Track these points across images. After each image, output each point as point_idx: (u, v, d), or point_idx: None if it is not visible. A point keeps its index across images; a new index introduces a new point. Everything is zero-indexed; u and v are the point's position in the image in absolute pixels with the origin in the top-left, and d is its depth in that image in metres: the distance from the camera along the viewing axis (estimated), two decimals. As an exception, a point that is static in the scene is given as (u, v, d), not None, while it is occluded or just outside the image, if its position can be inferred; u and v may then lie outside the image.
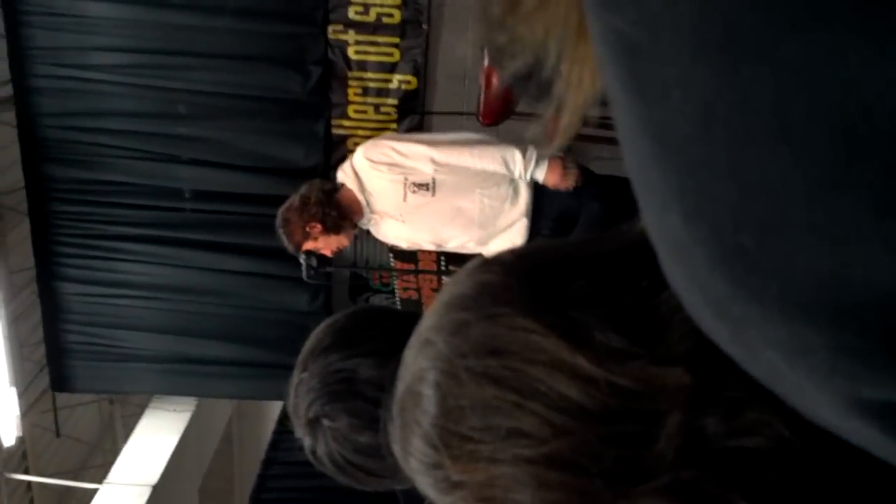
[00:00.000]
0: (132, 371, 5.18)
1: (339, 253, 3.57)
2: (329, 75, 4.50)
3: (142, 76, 4.47)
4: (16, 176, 4.78)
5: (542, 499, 0.54)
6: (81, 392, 5.52)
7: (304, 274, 3.40)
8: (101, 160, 4.64)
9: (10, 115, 4.63)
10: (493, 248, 3.36)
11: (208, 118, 4.54)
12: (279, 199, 3.54)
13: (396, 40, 4.46)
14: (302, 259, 3.34)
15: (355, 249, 4.66)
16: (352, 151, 4.37)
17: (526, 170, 3.21)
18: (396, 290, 4.92)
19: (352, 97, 4.57)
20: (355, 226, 3.44)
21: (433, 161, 3.25)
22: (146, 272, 4.89)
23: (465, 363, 0.56)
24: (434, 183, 3.29)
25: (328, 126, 4.58)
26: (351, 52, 4.48)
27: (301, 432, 1.17)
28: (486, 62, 3.85)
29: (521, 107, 4.02)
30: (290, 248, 3.35)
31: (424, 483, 0.62)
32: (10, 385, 4.94)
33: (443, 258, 4.41)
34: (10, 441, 5.09)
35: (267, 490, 5.40)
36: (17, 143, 4.61)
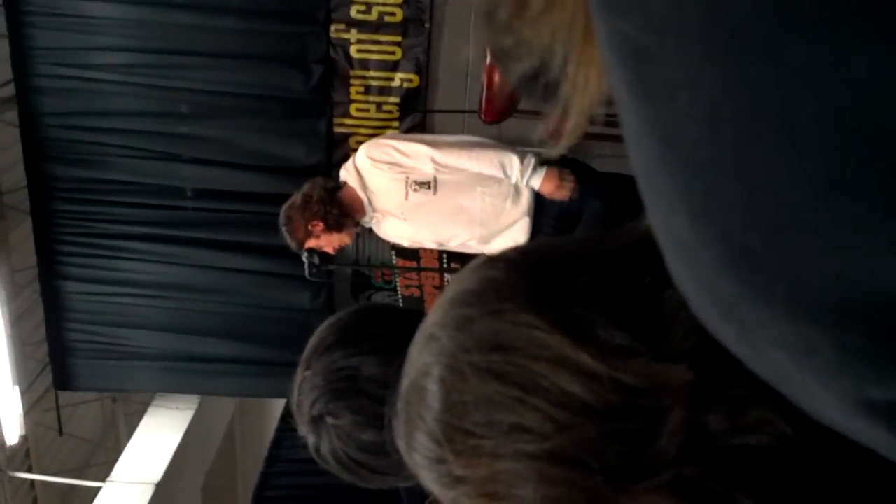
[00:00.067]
0: (135, 369, 5.18)
1: (341, 251, 3.58)
2: (331, 74, 4.49)
3: (144, 75, 4.47)
4: (18, 175, 4.78)
5: (544, 494, 0.54)
6: (84, 390, 5.52)
7: (306, 272, 3.41)
8: (103, 159, 4.64)
9: (13, 115, 4.63)
10: (495, 246, 3.37)
11: (210, 117, 4.53)
12: (281, 198, 3.54)
13: (398, 39, 4.46)
14: (304, 257, 3.35)
15: (357, 247, 4.66)
16: (354, 150, 4.38)
17: (523, 176, 3.22)
18: (399, 288, 4.92)
19: (354, 96, 4.56)
20: (357, 224, 3.45)
21: (433, 161, 3.27)
22: (148, 270, 4.89)
23: (469, 358, 0.56)
24: (435, 181, 3.30)
25: (330, 124, 4.58)
26: (353, 50, 4.47)
27: (305, 430, 1.17)
28: (488, 60, 3.85)
29: (524, 105, 4.02)
30: (292, 245, 3.36)
31: (428, 478, 0.62)
32: (13, 384, 4.95)
33: (445, 256, 4.41)
34: (13, 440, 5.10)
35: (270, 487, 5.40)
36: (20, 142, 4.61)
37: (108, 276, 4.91)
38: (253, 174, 4.63)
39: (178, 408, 6.09)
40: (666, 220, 0.38)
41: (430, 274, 4.72)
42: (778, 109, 0.29)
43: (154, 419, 6.06)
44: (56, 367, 5.15)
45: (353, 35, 4.44)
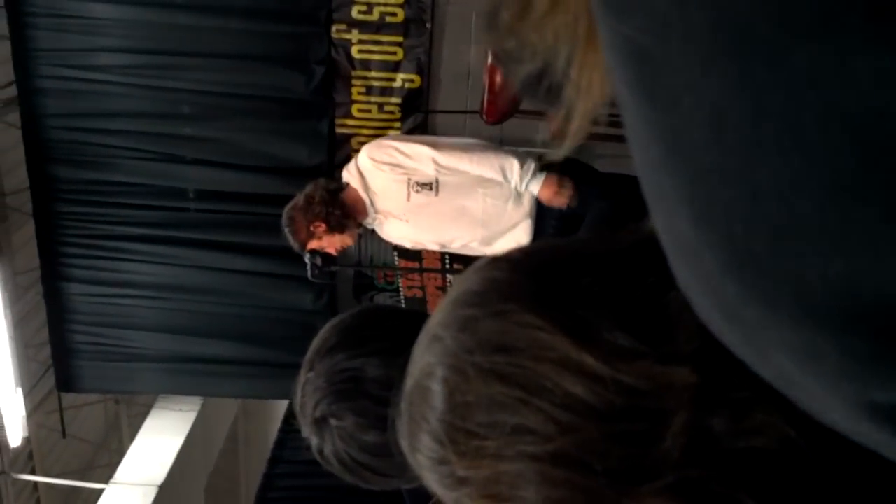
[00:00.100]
0: (138, 371, 5.19)
1: (343, 252, 3.58)
2: (333, 75, 4.49)
3: (146, 77, 4.47)
4: (21, 177, 4.78)
5: (546, 496, 0.54)
6: (87, 392, 5.52)
7: (308, 273, 3.41)
8: (106, 161, 4.64)
9: (15, 116, 4.63)
10: (497, 248, 3.37)
11: (212, 118, 4.54)
12: (284, 199, 3.55)
13: (400, 39, 4.46)
14: (307, 258, 3.35)
15: (360, 248, 4.66)
16: (356, 150, 4.38)
17: (522, 181, 3.23)
18: (401, 289, 4.92)
19: (355, 96, 4.56)
20: (359, 225, 3.46)
21: (435, 162, 3.27)
22: (151, 272, 4.89)
23: (472, 359, 0.56)
24: (437, 183, 3.30)
25: (332, 125, 4.58)
26: (354, 51, 4.47)
27: (308, 432, 1.17)
28: (490, 61, 3.85)
29: (526, 105, 4.01)
30: (295, 246, 3.36)
31: (431, 479, 0.62)
32: (16, 386, 4.95)
33: (447, 257, 4.41)
34: (16, 442, 5.10)
35: (273, 489, 5.40)
36: (22, 143, 4.61)
37: (110, 278, 4.91)
38: (255, 175, 4.63)
39: (181, 409, 6.09)
40: (670, 223, 0.38)
41: (432, 275, 4.72)
42: (782, 113, 0.29)
43: (157, 421, 6.07)
44: (59, 369, 5.16)
45: (354, 35, 4.44)
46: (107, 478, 5.71)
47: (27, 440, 5.37)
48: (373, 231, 3.70)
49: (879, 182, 0.28)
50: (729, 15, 0.29)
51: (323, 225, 3.30)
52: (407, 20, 4.42)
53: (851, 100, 0.27)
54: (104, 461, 6.71)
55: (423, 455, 0.62)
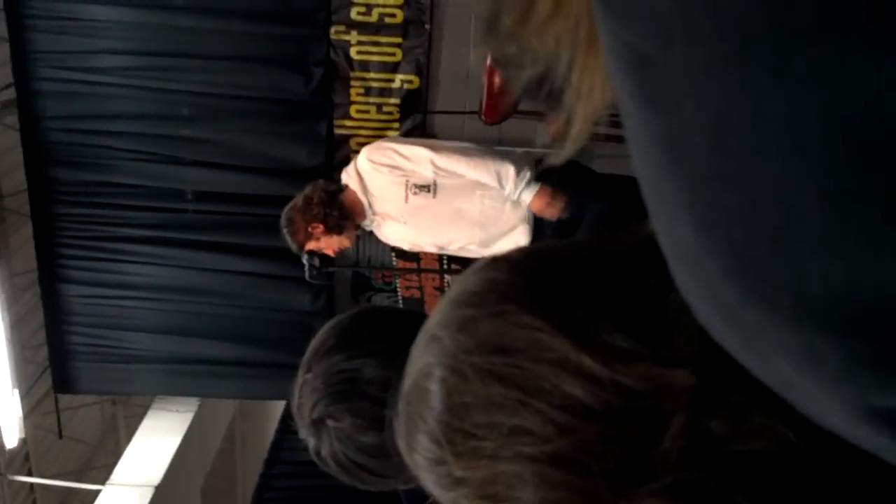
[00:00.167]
0: (135, 372, 5.18)
1: (341, 253, 3.59)
2: (331, 76, 4.49)
3: (144, 79, 4.47)
4: (19, 178, 4.78)
5: (543, 497, 0.54)
6: (84, 393, 5.52)
7: (306, 274, 3.41)
8: (104, 162, 4.64)
9: (14, 119, 4.63)
10: (495, 250, 3.37)
11: (211, 120, 4.53)
12: (282, 200, 3.55)
13: (399, 40, 4.46)
14: (304, 259, 3.36)
15: (357, 249, 4.66)
16: (354, 151, 4.39)
17: (515, 189, 3.23)
18: (399, 289, 4.92)
19: (354, 97, 4.56)
20: (357, 227, 3.47)
21: (433, 164, 3.28)
22: (149, 273, 4.89)
23: (471, 360, 0.56)
24: (435, 185, 3.31)
25: (330, 126, 4.58)
26: (353, 52, 4.47)
27: (305, 433, 1.17)
28: (488, 62, 3.85)
29: (524, 105, 4.02)
30: (293, 247, 3.37)
31: (428, 479, 0.62)
32: (13, 387, 4.94)
33: (445, 257, 4.41)
34: (12, 443, 5.09)
35: (270, 489, 5.40)
36: (21, 146, 4.61)
37: (108, 279, 4.91)
38: (253, 176, 4.63)
39: (178, 410, 6.09)
40: (670, 227, 0.38)
41: (430, 275, 4.72)
42: (784, 117, 0.29)
43: (154, 422, 6.06)
44: (56, 371, 5.15)
45: (353, 37, 4.44)
46: (103, 479, 5.70)
47: (24, 441, 5.37)
48: (371, 232, 3.70)
49: (880, 185, 0.28)
50: (730, 20, 0.29)
51: (321, 226, 3.31)
52: (406, 21, 4.42)
53: (852, 103, 0.27)
54: (101, 462, 6.71)
55: (420, 455, 0.62)
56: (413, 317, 1.18)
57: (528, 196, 3.24)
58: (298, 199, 3.37)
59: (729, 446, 0.50)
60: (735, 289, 0.35)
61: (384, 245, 4.28)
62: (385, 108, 4.57)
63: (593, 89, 0.45)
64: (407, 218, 3.39)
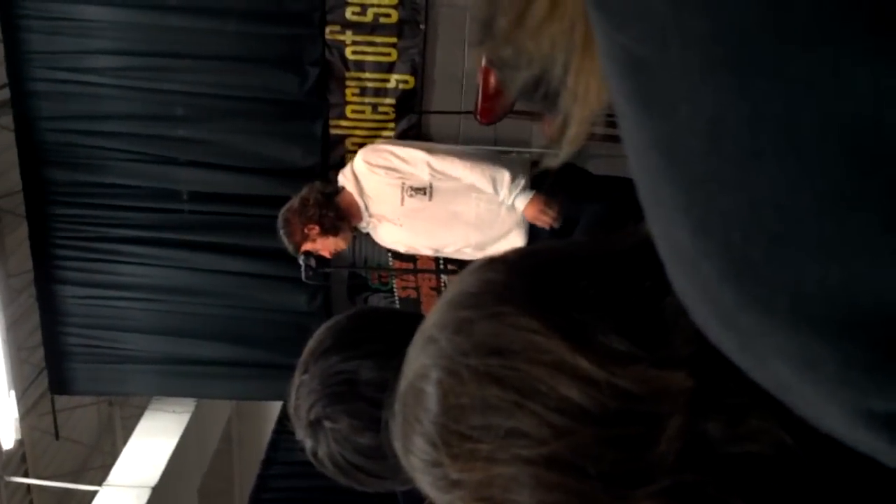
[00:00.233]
0: (131, 373, 5.17)
1: (337, 253, 3.59)
2: (326, 76, 4.49)
3: (139, 79, 4.47)
4: (14, 179, 4.77)
5: (539, 500, 0.54)
6: (80, 394, 5.51)
7: (302, 274, 3.42)
8: (99, 163, 4.64)
9: (8, 119, 4.62)
10: (491, 253, 3.36)
11: (206, 120, 4.53)
12: (278, 200, 3.55)
13: (394, 40, 4.46)
14: (301, 259, 3.36)
15: (354, 249, 4.66)
16: (350, 151, 4.39)
17: (510, 195, 3.24)
18: (395, 290, 4.92)
19: (349, 97, 4.56)
20: (353, 228, 3.47)
21: (430, 166, 3.29)
22: (145, 274, 4.88)
23: (467, 362, 0.56)
24: (431, 188, 3.32)
25: (326, 126, 4.58)
26: (348, 52, 4.47)
27: (302, 434, 1.17)
28: (483, 62, 3.85)
29: (520, 106, 4.02)
30: (289, 248, 3.38)
31: (424, 481, 0.62)
32: (9, 388, 4.94)
33: (441, 258, 4.41)
34: (9, 444, 5.08)
35: (267, 490, 5.40)
36: (15, 146, 4.60)
37: (104, 280, 4.90)
38: (249, 177, 4.63)
39: (174, 411, 6.08)
40: (667, 230, 0.38)
41: (426, 275, 4.72)
42: (780, 122, 0.29)
43: (151, 423, 6.06)
44: (52, 371, 5.14)
45: (348, 37, 4.44)
46: (100, 480, 5.70)
47: (20, 442, 5.36)
48: (367, 233, 3.70)
49: (876, 191, 0.28)
50: (727, 23, 0.29)
51: (317, 227, 3.32)
52: (401, 21, 4.42)
53: (849, 109, 0.27)
54: (98, 463, 6.69)
55: (416, 457, 0.62)
56: (410, 318, 1.18)
57: (522, 203, 3.25)
58: (295, 201, 3.38)
59: (726, 449, 0.50)
60: (732, 292, 0.35)
61: (381, 245, 4.28)
62: (380, 109, 4.57)
63: (589, 92, 0.45)
64: (402, 220, 3.39)
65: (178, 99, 4.50)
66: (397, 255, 4.54)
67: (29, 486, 5.98)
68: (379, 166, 3.34)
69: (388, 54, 4.48)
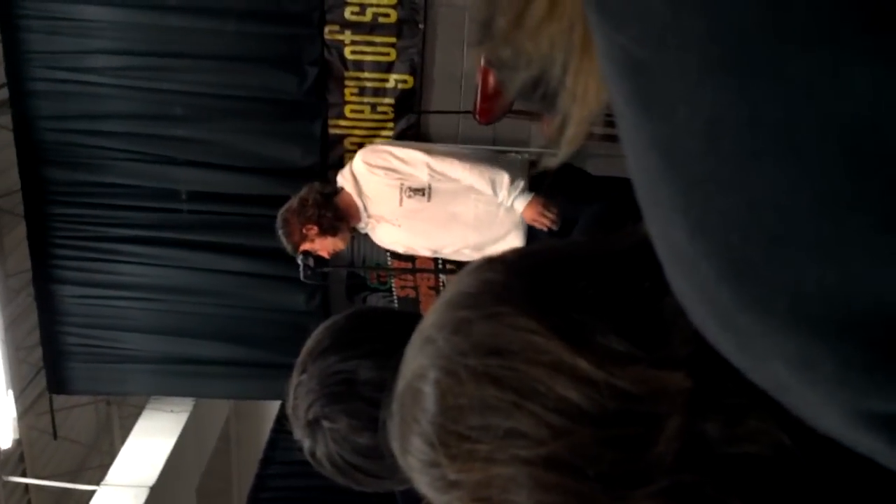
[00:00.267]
0: (129, 372, 5.17)
1: (336, 253, 3.59)
2: (325, 75, 4.49)
3: (138, 78, 4.46)
4: (12, 179, 4.77)
5: (538, 500, 0.54)
6: (78, 394, 5.51)
7: (301, 274, 3.42)
8: (98, 162, 4.63)
9: (7, 119, 4.62)
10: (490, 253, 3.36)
11: (205, 120, 4.53)
12: (276, 200, 3.55)
13: (393, 40, 4.46)
14: (299, 259, 3.36)
15: (353, 248, 4.66)
16: (349, 151, 4.39)
17: (509, 197, 3.24)
18: (394, 289, 4.91)
19: (348, 97, 4.56)
20: (352, 229, 3.47)
21: (429, 167, 3.29)
22: (143, 273, 4.88)
23: (466, 362, 0.56)
24: (430, 189, 3.32)
25: (325, 126, 4.58)
26: (347, 52, 4.47)
27: (300, 434, 1.17)
28: (482, 61, 3.85)
29: (518, 105, 4.02)
30: (288, 248, 3.38)
31: (422, 481, 0.62)
32: (7, 388, 4.93)
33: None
34: (6, 444, 5.08)
35: (265, 489, 5.39)
36: (14, 146, 4.60)
37: (102, 280, 4.90)
38: (248, 176, 4.63)
39: (172, 410, 6.08)
40: (665, 231, 0.38)
41: (425, 275, 4.72)
42: (779, 123, 0.29)
43: (149, 422, 6.06)
44: (50, 371, 5.14)
45: (347, 36, 4.44)
46: (98, 479, 5.70)
47: (18, 442, 5.35)
48: (366, 233, 3.71)
49: (875, 192, 0.28)
50: (725, 24, 0.29)
51: (315, 228, 3.32)
52: (400, 21, 4.42)
53: (848, 110, 0.27)
54: (96, 463, 6.69)
55: (413, 457, 0.61)
56: (408, 317, 1.18)
57: (521, 205, 3.25)
58: (294, 201, 3.38)
59: (724, 449, 0.49)
60: (730, 292, 0.35)
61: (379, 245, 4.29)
62: (379, 108, 4.57)
63: (588, 92, 0.45)
64: (401, 221, 3.40)
65: (177, 99, 4.50)
66: (396, 255, 4.54)
67: (27, 485, 5.98)
68: (378, 167, 3.34)
69: (387, 54, 4.49)
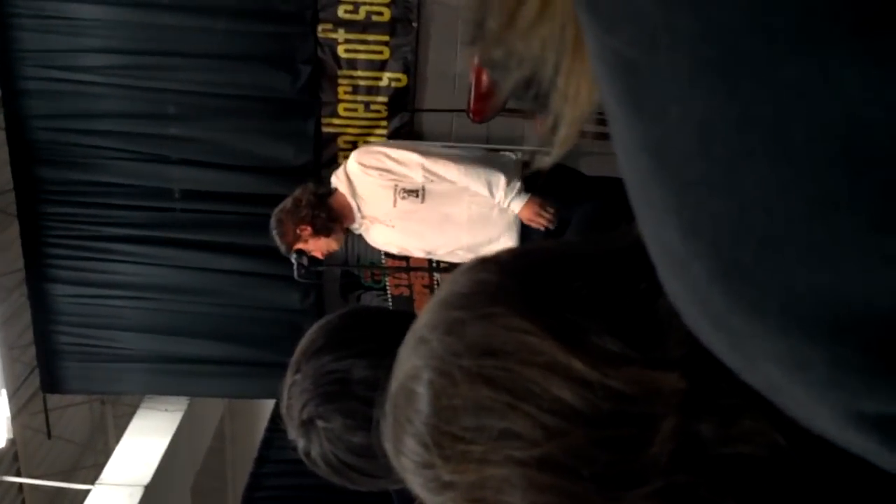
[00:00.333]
0: (123, 371, 5.17)
1: (330, 253, 3.59)
2: (319, 74, 4.49)
3: (131, 77, 4.46)
4: (5, 178, 4.76)
5: (532, 501, 0.54)
6: (72, 393, 5.50)
7: (295, 273, 3.41)
8: (91, 161, 4.63)
9: (0, 118, 4.61)
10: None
11: (198, 118, 4.53)
12: (270, 198, 3.55)
13: (386, 38, 4.46)
14: (293, 258, 3.36)
15: (347, 247, 4.65)
16: (342, 149, 4.39)
17: (506, 199, 3.24)
18: (388, 287, 4.91)
19: (342, 95, 4.56)
20: (346, 230, 3.47)
21: (423, 168, 3.29)
22: (137, 272, 4.88)
23: (459, 362, 0.56)
24: (424, 190, 3.32)
25: (318, 124, 4.58)
26: (341, 50, 4.47)
27: (294, 434, 1.17)
28: (476, 60, 3.85)
29: (512, 104, 4.02)
30: (282, 249, 3.38)
31: (415, 482, 0.62)
32: (1, 387, 4.93)
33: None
34: (1, 443, 5.07)
35: (260, 488, 5.39)
36: (7, 145, 4.59)
37: (96, 279, 4.89)
38: (241, 175, 4.62)
39: (167, 409, 6.08)
40: (657, 232, 0.38)
41: (419, 273, 4.72)
42: (770, 125, 0.29)
43: (143, 421, 6.05)
44: (44, 370, 5.13)
45: (340, 35, 4.44)
46: (93, 479, 5.69)
47: (12, 441, 5.35)
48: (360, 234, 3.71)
49: (866, 193, 0.28)
50: (716, 25, 0.29)
51: (309, 228, 3.31)
52: (393, 19, 4.42)
53: (838, 111, 0.27)
54: (90, 462, 6.68)
55: (407, 458, 0.61)
56: (402, 316, 1.18)
57: (518, 206, 3.25)
58: (287, 202, 3.37)
59: (719, 450, 0.49)
60: (722, 293, 0.35)
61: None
62: (373, 107, 4.57)
63: (580, 93, 0.44)
64: (395, 222, 3.39)
65: (170, 97, 4.49)
66: (390, 253, 4.54)
67: (21, 485, 5.97)
68: (372, 167, 3.34)
69: (381, 52, 4.48)
